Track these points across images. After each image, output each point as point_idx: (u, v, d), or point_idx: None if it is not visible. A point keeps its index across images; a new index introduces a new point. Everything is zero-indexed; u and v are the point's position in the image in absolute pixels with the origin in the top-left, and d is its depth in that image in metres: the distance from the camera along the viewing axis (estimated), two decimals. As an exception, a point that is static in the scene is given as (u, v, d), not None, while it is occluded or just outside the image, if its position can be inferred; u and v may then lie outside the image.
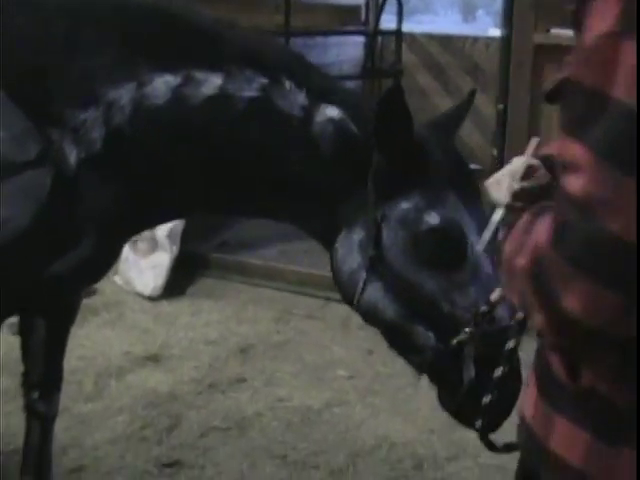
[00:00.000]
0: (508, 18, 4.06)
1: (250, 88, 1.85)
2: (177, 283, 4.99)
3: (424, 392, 3.71)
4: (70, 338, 4.15)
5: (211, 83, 1.85)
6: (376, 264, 1.88)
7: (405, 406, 3.70)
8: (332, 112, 1.87)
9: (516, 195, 1.48)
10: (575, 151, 1.00)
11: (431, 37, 8.35)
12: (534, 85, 3.88)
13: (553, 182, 1.44)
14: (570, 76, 1.05)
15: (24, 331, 2.47)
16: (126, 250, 5.04)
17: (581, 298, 0.98)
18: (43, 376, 2.50)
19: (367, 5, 8.04)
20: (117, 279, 5.05)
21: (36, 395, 2.50)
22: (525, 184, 1.49)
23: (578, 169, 0.99)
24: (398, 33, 7.06)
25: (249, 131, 1.88)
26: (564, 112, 1.07)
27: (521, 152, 1.55)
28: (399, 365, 3.91)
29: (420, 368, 1.96)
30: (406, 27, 7.35)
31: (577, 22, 1.16)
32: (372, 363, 4.11)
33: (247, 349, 4.23)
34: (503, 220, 1.53)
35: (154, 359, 4.06)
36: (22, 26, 1.92)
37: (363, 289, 1.91)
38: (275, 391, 3.79)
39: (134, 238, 4.94)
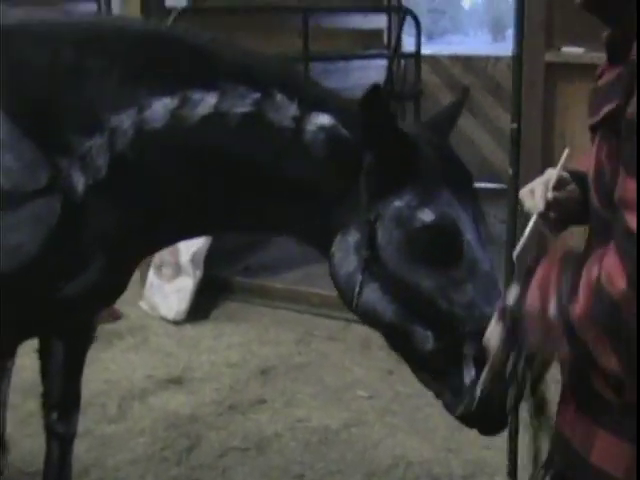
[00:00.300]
0: (519, 37, 4.07)
1: (243, 104, 1.90)
2: (201, 307, 5.07)
3: (442, 411, 3.75)
4: (95, 362, 4.28)
5: (206, 102, 1.91)
6: (372, 265, 1.87)
7: (423, 425, 3.72)
8: (323, 120, 1.90)
9: (549, 204, 1.53)
10: (635, 192, 1.05)
11: (454, 58, 8.43)
12: (547, 104, 3.90)
13: (582, 196, 1.49)
14: (627, 116, 1.10)
15: (42, 353, 2.54)
16: (151, 275, 5.15)
17: None
18: (61, 397, 2.57)
19: (389, 28, 8.12)
20: (142, 304, 5.14)
21: (55, 416, 2.56)
22: (557, 194, 1.53)
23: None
24: (417, 55, 7.12)
25: (243, 145, 1.93)
26: (625, 150, 1.11)
27: (535, 170, 1.59)
28: (419, 385, 3.96)
29: (422, 371, 1.95)
30: (434, 48, 7.43)
31: (611, 49, 1.22)
32: (392, 383, 4.14)
33: (268, 371, 4.29)
34: (536, 228, 1.58)
35: (176, 382, 4.14)
36: (30, 58, 1.99)
37: (360, 291, 1.89)
38: (294, 412, 3.84)
39: (158, 264, 5.05)
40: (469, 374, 1.79)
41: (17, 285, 1.97)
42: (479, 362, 1.72)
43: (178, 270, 5.05)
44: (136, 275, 5.33)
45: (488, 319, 1.68)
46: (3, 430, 2.78)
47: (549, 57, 4.09)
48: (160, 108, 1.92)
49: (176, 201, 2.04)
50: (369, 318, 1.96)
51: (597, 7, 1.29)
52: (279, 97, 1.90)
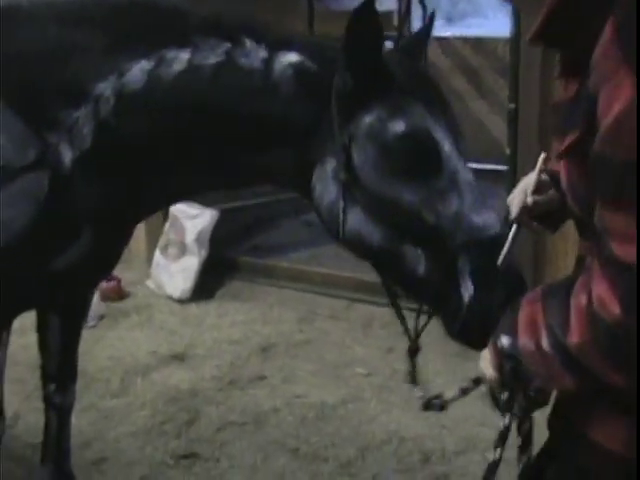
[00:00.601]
0: (516, 19, 4.10)
1: (215, 54, 1.92)
2: (206, 286, 5.16)
3: (438, 391, 3.82)
4: (101, 339, 4.39)
5: (181, 59, 1.93)
6: (352, 188, 1.82)
7: (418, 402, 3.76)
8: (291, 57, 1.91)
9: (530, 209, 1.56)
10: (619, 222, 1.09)
11: (464, 40, 8.41)
12: (543, 84, 3.92)
13: (561, 199, 1.51)
14: (595, 151, 1.14)
15: (40, 328, 2.61)
16: (157, 255, 5.23)
17: None
18: (58, 369, 2.64)
19: (400, 11, 8.12)
20: (149, 283, 5.23)
21: (53, 387, 2.64)
22: (538, 198, 1.56)
23: (626, 238, 1.08)
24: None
25: (219, 94, 1.94)
26: (599, 184, 1.14)
27: (533, 151, 1.61)
28: (418, 364, 4.03)
29: (419, 296, 1.88)
30: (453, 31, 7.36)
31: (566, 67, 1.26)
32: (391, 361, 4.21)
33: (269, 348, 4.37)
34: (516, 234, 1.61)
35: (179, 358, 4.23)
36: (17, 38, 2.04)
37: (344, 218, 1.84)
38: (293, 388, 3.92)
39: (164, 244, 5.13)
40: (467, 289, 1.70)
41: (9, 259, 2.02)
42: (475, 275, 1.68)
43: (183, 249, 5.13)
44: (143, 254, 5.49)
45: (478, 230, 1.69)
46: (1, 397, 2.87)
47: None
48: (138, 71, 1.95)
49: (159, 163, 2.06)
50: (357, 246, 1.88)
51: (548, 42, 1.37)
52: (248, 43, 1.92)
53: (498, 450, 1.49)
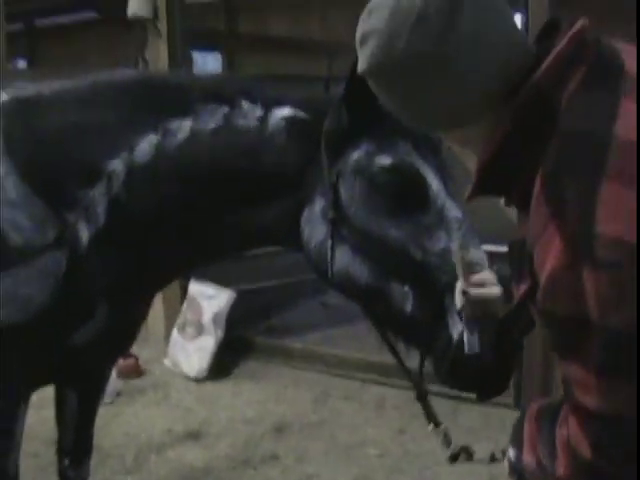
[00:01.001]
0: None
1: (214, 119, 2.05)
2: (222, 365, 5.24)
3: (450, 470, 3.84)
4: (117, 416, 4.46)
5: (184, 128, 2.07)
6: (340, 226, 1.86)
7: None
8: (284, 112, 2.03)
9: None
10: (576, 372, 1.13)
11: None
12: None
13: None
14: (538, 305, 1.16)
15: (57, 401, 2.68)
16: (175, 334, 5.34)
17: None
18: (74, 444, 2.69)
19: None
20: (166, 362, 5.32)
21: (67, 462, 2.69)
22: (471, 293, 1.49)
23: (586, 388, 1.12)
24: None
25: (219, 155, 2.06)
26: (549, 334, 1.17)
27: None
28: (429, 444, 4.08)
29: (407, 336, 1.89)
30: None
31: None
32: (403, 442, 4.24)
33: (282, 428, 4.41)
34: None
35: (193, 436, 4.28)
36: (40, 124, 2.17)
37: (332, 257, 1.87)
38: (305, 468, 3.95)
39: (182, 323, 5.24)
40: (455, 328, 1.70)
41: (29, 335, 2.12)
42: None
43: (200, 329, 5.23)
44: (161, 333, 5.58)
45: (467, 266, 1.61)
46: (17, 470, 2.93)
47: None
48: (146, 145, 2.08)
49: (167, 234, 2.15)
50: (346, 285, 1.91)
51: (490, 192, 1.31)
52: (245, 104, 2.05)
53: None
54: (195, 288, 5.14)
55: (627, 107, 1.11)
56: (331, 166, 1.90)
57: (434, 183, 1.85)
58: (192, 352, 5.16)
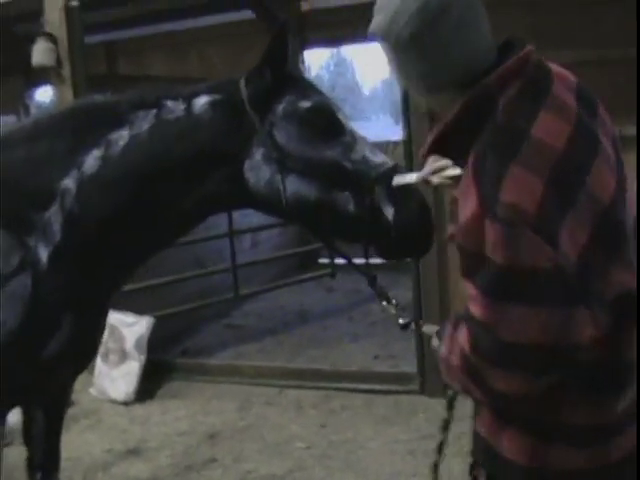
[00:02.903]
0: (407, 124, 4.81)
1: (147, 121, 2.40)
2: (147, 387, 5.55)
3: (373, 452, 4.33)
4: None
5: (123, 136, 2.39)
6: (283, 162, 2.27)
7: (357, 465, 4.27)
8: (202, 99, 2.42)
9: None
10: (472, 290, 1.59)
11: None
12: (437, 187, 4.54)
13: None
14: (455, 238, 1.61)
15: (24, 421, 2.87)
16: (99, 363, 5.60)
17: (502, 381, 1.57)
18: (43, 459, 2.91)
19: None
20: (92, 391, 5.57)
21: (39, 476, 2.91)
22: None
23: (475, 302, 1.58)
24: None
25: (159, 147, 2.38)
26: (460, 260, 1.63)
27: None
28: (350, 433, 4.55)
29: (356, 235, 2.27)
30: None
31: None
32: (326, 434, 4.71)
33: (215, 435, 4.79)
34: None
35: (134, 452, 4.59)
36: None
37: (284, 187, 2.27)
38: (243, 466, 4.34)
39: (104, 352, 5.51)
40: (389, 211, 2.17)
41: (3, 357, 2.30)
42: (391, 198, 2.16)
43: (124, 356, 5.53)
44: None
45: (381, 165, 2.20)
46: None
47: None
48: (92, 159, 2.36)
49: (124, 234, 2.38)
50: (299, 206, 2.29)
51: (440, 154, 1.82)
52: (169, 103, 2.42)
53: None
54: (115, 317, 5.43)
55: (544, 117, 1.57)
56: (262, 121, 2.33)
57: (341, 114, 2.37)
58: (118, 378, 5.45)
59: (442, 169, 1.94)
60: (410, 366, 5.32)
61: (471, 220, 1.54)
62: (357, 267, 2.35)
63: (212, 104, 2.41)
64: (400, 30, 1.65)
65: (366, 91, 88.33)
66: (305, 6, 8.90)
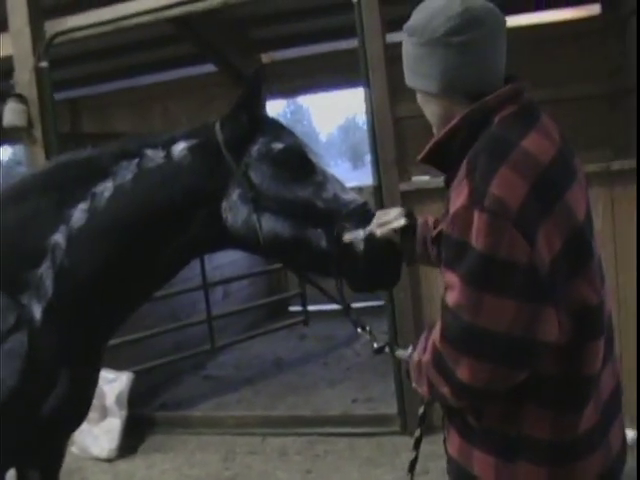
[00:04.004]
0: (377, 172, 4.96)
1: (130, 170, 2.48)
2: (129, 443, 5.54)
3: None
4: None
5: (108, 187, 2.46)
6: (258, 201, 2.37)
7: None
8: (180, 145, 2.49)
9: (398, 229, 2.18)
10: (451, 278, 1.70)
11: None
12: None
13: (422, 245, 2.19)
14: (443, 230, 1.75)
15: None
16: (79, 421, 5.57)
17: (468, 370, 1.65)
18: None
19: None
20: (74, 449, 5.54)
21: None
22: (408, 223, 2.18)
23: (452, 288, 1.68)
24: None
25: (142, 196, 2.44)
26: (444, 252, 1.75)
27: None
28: (336, 477, 4.60)
29: (330, 269, 2.35)
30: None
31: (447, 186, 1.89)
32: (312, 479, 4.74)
33: (201, 486, 4.79)
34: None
35: (121, 508, 4.58)
36: None
37: (260, 226, 2.37)
38: (231, 516, 4.35)
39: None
40: (357, 235, 2.27)
41: (4, 416, 2.33)
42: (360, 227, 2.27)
43: (104, 412, 5.52)
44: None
45: (351, 202, 2.32)
46: None
47: (403, 187, 4.96)
48: (79, 213, 2.41)
49: (114, 283, 2.43)
50: (275, 244, 2.39)
51: (434, 162, 1.95)
52: (149, 152, 2.51)
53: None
54: (94, 375, 5.43)
55: (534, 136, 1.73)
56: (238, 162, 2.44)
57: (311, 155, 2.49)
58: (100, 435, 5.44)
59: (388, 222, 2.19)
60: (388, 408, 5.40)
61: (461, 209, 1.67)
62: (332, 298, 2.44)
63: (190, 149, 2.51)
64: (437, 26, 1.79)
65: (323, 137, 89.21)
66: (265, 58, 9.11)
